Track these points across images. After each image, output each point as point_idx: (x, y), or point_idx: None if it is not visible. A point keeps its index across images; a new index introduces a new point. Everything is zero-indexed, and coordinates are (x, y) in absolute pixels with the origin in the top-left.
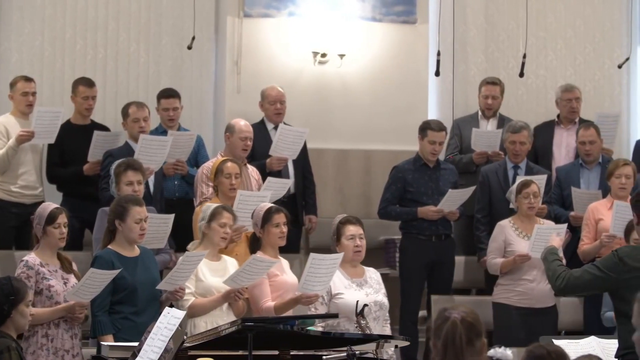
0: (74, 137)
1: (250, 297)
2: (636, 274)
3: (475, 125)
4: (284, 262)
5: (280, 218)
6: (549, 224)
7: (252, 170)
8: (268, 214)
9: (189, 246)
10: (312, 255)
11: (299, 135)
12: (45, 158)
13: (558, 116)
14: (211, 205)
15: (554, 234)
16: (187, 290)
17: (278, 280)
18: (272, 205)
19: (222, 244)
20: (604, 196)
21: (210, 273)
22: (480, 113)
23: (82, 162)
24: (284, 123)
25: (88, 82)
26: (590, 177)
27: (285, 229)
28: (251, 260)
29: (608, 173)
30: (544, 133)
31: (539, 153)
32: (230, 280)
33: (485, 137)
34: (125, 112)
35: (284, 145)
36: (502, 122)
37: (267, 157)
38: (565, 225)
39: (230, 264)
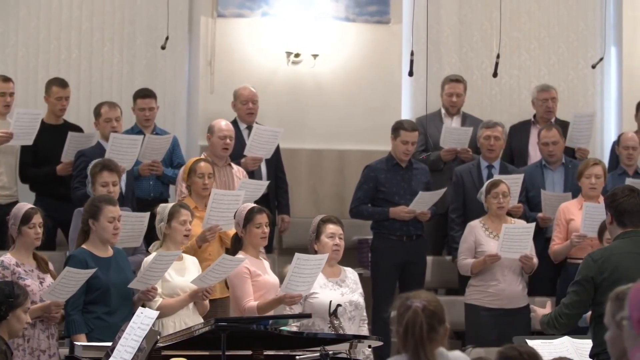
0: (47, 137)
1: (233, 297)
2: (609, 274)
3: (439, 123)
4: (266, 263)
5: (263, 218)
6: (520, 223)
7: (237, 170)
8: (250, 214)
9: (150, 248)
10: (297, 255)
11: (273, 135)
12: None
13: (534, 116)
14: (167, 206)
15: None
16: None
17: (260, 280)
18: (255, 205)
19: (185, 241)
20: (574, 197)
21: (175, 273)
22: (443, 111)
23: (55, 162)
24: (257, 123)
25: (61, 83)
26: (555, 178)
27: (267, 229)
28: (221, 260)
29: (578, 173)
30: (520, 133)
31: (515, 153)
32: (199, 280)
33: (455, 133)
34: (97, 112)
35: (258, 145)
36: (466, 119)
37: (240, 157)
38: (534, 224)
39: (191, 262)
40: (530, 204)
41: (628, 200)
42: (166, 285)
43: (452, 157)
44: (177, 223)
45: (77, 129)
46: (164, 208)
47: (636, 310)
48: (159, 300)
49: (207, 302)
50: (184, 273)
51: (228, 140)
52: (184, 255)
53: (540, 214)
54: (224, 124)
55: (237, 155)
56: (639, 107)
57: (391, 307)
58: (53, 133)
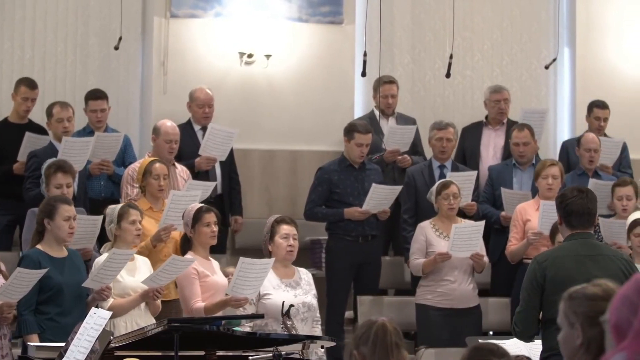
0: (8, 135)
1: (181, 297)
2: (552, 276)
3: (375, 125)
4: (215, 263)
5: (211, 217)
6: (468, 223)
7: (181, 170)
8: (198, 214)
9: (102, 249)
10: (241, 259)
11: (228, 135)
12: None
13: (486, 117)
14: (115, 207)
15: None
16: None
17: (209, 280)
18: (203, 205)
19: (137, 241)
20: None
21: (126, 273)
22: (378, 112)
23: (14, 160)
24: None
25: (30, 84)
26: (523, 178)
27: (215, 228)
28: (171, 260)
29: (535, 173)
30: (472, 134)
31: (467, 154)
32: (149, 280)
33: (400, 133)
34: (49, 112)
35: (213, 146)
36: (401, 119)
37: (194, 157)
38: (483, 222)
39: (142, 262)
40: (496, 203)
41: (575, 201)
42: (117, 285)
43: (394, 159)
44: (127, 223)
45: (41, 129)
46: (113, 209)
47: (614, 315)
48: (110, 300)
49: (159, 302)
50: (134, 273)
51: (174, 145)
52: (135, 255)
53: (503, 213)
54: (170, 126)
55: (191, 155)
56: (591, 108)
57: (354, 334)
58: (15, 132)
